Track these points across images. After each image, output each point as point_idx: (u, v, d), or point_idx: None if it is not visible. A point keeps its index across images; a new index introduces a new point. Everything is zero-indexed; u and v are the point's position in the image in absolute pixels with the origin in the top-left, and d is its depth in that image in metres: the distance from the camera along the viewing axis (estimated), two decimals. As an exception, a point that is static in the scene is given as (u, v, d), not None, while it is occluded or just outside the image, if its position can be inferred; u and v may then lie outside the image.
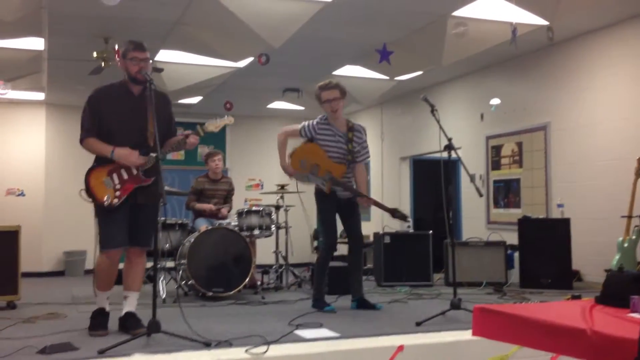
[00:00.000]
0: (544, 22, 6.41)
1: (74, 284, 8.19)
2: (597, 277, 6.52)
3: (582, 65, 7.08)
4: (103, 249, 4.13)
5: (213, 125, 4.25)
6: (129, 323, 4.09)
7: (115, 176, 4.09)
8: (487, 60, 8.14)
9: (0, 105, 10.25)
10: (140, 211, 4.17)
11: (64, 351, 3.55)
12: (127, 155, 4.06)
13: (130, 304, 4.20)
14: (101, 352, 3.47)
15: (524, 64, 7.89)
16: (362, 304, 5.34)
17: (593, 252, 6.74)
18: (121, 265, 4.26)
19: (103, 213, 4.11)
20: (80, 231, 10.11)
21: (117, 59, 4.37)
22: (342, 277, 6.43)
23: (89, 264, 10.15)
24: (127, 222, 4.14)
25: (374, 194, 10.82)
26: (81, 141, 4.16)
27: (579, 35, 7.08)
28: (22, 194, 10.49)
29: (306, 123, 5.35)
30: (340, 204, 5.35)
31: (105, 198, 4.04)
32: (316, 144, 5.28)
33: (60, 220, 10.31)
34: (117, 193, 4.07)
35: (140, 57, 4.09)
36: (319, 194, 5.33)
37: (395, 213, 5.22)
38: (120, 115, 4.14)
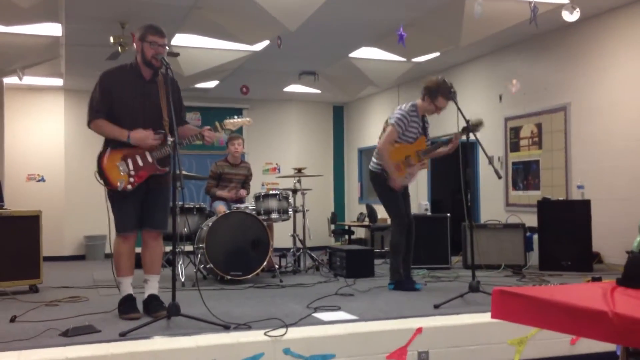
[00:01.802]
0: (565, 0, 6.29)
1: (94, 267, 8.30)
2: (618, 259, 6.46)
3: (604, 44, 6.95)
4: (119, 233, 4.17)
5: (231, 124, 4.29)
6: (151, 306, 4.13)
7: (130, 162, 4.08)
8: (506, 40, 8.03)
9: (19, 91, 10.35)
10: (152, 194, 4.17)
11: (85, 333, 3.60)
12: (144, 137, 4.04)
13: (151, 287, 4.23)
14: (122, 335, 3.51)
15: (543, 44, 7.77)
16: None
17: (614, 234, 6.67)
18: (138, 250, 4.29)
19: (115, 197, 4.12)
20: (100, 215, 10.03)
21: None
22: (360, 261, 6.46)
23: (109, 248, 10.24)
24: (139, 204, 4.16)
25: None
26: (89, 122, 4.11)
27: (600, 14, 6.94)
28: (42, 180, 10.62)
29: (397, 117, 5.28)
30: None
31: (119, 183, 4.05)
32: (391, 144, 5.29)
33: (80, 205, 10.44)
34: (132, 179, 4.07)
35: (159, 42, 4.06)
36: (379, 177, 5.36)
37: (470, 127, 4.97)
38: (131, 100, 4.11)
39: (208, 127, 4.20)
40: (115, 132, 4.07)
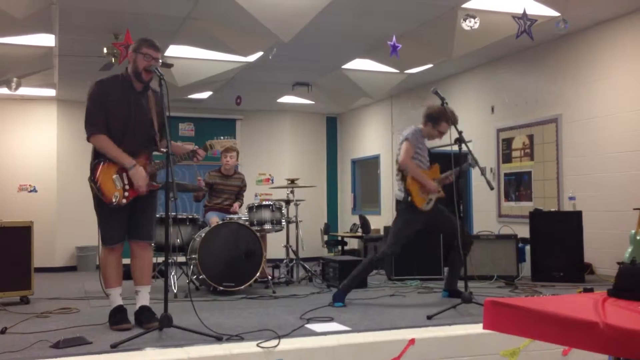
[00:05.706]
0: (556, 14, 6.35)
1: (86, 278, 8.25)
2: (610, 270, 6.49)
3: (595, 56, 7.01)
4: (105, 245, 4.16)
5: (219, 144, 4.42)
6: (143, 317, 4.11)
7: (125, 176, 4.07)
8: (497, 52, 8.09)
9: (12, 102, 10.33)
10: (139, 205, 4.17)
11: (77, 345, 3.58)
12: (141, 180, 4.05)
13: (143, 298, 4.21)
14: (114, 346, 3.49)
15: (535, 56, 7.83)
16: (452, 294, 5.46)
17: (605, 245, 6.70)
18: (127, 261, 4.27)
19: (105, 208, 4.09)
20: (92, 227, 9.95)
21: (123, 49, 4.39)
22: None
23: (101, 259, 10.20)
24: (127, 216, 4.16)
25: (385, 188, 10.82)
26: (89, 136, 4.09)
27: (591, 26, 7.01)
28: (34, 190, 10.57)
29: (408, 133, 5.34)
30: (427, 217, 5.36)
31: (113, 197, 4.03)
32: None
33: (72, 216, 10.38)
34: (126, 194, 4.06)
35: (153, 55, 4.09)
36: (409, 207, 5.28)
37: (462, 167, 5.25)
38: (123, 110, 4.11)
39: (197, 147, 4.28)
40: (120, 158, 4.04)
